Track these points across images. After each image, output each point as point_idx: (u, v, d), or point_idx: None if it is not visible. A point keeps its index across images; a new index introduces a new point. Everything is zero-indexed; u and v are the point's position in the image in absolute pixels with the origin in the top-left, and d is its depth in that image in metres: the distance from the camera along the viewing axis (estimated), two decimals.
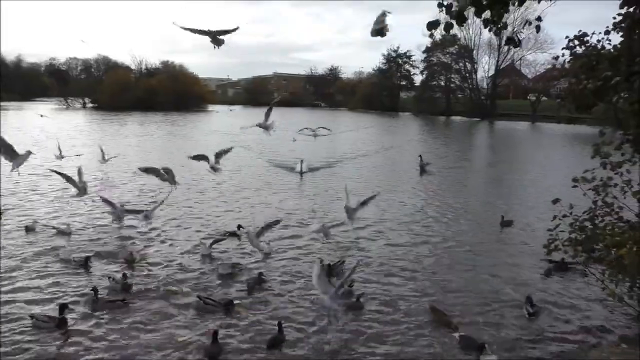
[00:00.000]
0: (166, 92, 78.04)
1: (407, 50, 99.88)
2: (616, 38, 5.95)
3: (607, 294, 7.52)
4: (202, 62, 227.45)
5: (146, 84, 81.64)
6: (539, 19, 4.27)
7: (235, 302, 8.38)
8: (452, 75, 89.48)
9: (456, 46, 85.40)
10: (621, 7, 4.81)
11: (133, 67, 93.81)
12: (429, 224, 14.04)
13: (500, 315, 8.33)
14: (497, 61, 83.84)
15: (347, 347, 7.18)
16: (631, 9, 4.65)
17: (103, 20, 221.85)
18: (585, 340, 7.49)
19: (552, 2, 4.74)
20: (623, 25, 4.89)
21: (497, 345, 7.23)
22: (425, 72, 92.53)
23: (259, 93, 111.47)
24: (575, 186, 7.19)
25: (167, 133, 41.72)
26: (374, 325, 7.84)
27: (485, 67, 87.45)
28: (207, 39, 7.80)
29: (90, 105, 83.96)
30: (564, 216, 7.38)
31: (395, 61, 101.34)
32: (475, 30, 78.93)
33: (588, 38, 6.26)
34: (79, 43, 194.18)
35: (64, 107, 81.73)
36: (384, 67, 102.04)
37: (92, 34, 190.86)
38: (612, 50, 6.10)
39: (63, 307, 7.62)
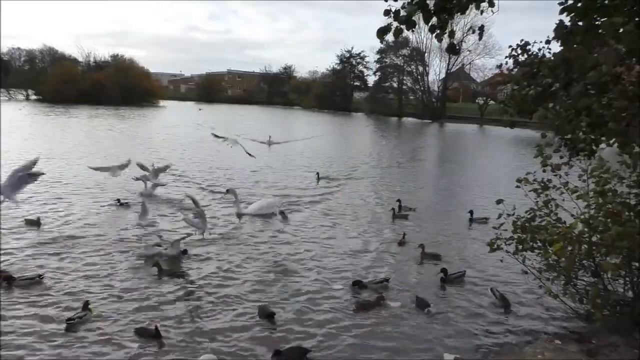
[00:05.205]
0: (113, 86, 75.72)
1: (361, 51, 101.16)
2: (556, 46, 6.25)
3: (543, 291, 7.89)
4: (154, 57, 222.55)
5: (92, 77, 78.96)
6: (481, 27, 4.44)
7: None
8: (405, 77, 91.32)
9: (408, 48, 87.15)
10: (560, 13, 5.04)
11: (81, 59, 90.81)
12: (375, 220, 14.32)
13: (436, 313, 8.49)
14: (448, 65, 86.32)
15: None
16: (564, 17, 4.88)
17: (50, 10, 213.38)
18: (520, 336, 7.75)
19: (497, 11, 4.94)
20: (559, 34, 5.15)
21: (431, 343, 7.44)
22: (378, 74, 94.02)
23: (212, 89, 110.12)
24: (518, 186, 7.53)
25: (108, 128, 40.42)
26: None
27: (436, 70, 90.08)
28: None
29: (34, 97, 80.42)
30: (508, 215, 7.69)
31: (349, 62, 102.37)
32: (427, 34, 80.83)
33: (530, 47, 6.53)
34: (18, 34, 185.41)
35: (6, 98, 77.83)
36: (338, 68, 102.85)
37: (39, 24, 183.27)
38: (552, 58, 6.39)
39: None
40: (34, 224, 11.85)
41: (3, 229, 11.46)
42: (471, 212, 14.72)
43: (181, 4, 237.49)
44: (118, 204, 14.41)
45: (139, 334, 7.09)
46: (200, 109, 75.99)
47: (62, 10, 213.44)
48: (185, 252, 10.57)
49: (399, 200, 15.58)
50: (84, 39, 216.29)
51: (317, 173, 21.00)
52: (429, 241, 11.95)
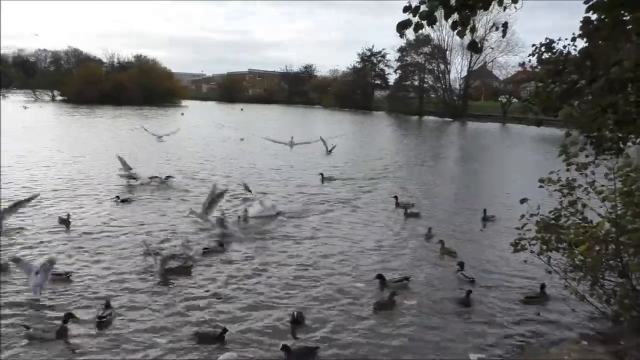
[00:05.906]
0: (134, 86, 76.89)
1: (382, 49, 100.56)
2: (582, 43, 6.13)
3: (569, 291, 7.76)
4: (175, 57, 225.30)
5: (115, 77, 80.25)
6: (505, 24, 4.37)
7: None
8: (426, 75, 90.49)
9: (430, 46, 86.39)
10: (587, 11, 4.95)
11: (105, 60, 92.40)
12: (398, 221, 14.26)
13: (464, 311, 8.47)
14: (470, 62, 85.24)
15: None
16: (591, 15, 4.77)
17: (74, 11, 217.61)
18: (546, 337, 7.66)
19: (520, 7, 4.85)
20: (585, 31, 5.05)
21: (455, 343, 7.37)
22: (399, 72, 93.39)
23: (234, 89, 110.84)
24: (541, 186, 7.42)
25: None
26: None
27: (458, 67, 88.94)
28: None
29: (60, 98, 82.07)
30: (532, 215, 7.57)
31: (370, 60, 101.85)
32: (448, 31, 80.00)
33: (555, 44, 6.40)
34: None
35: (33, 99, 79.52)
36: (358, 66, 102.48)
37: (63, 26, 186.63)
38: (577, 55, 6.27)
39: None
40: (64, 222, 12.11)
41: (37, 226, 11.97)
42: (485, 210, 14.68)
43: (200, 4, 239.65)
44: (119, 200, 14.69)
45: (202, 339, 7.07)
46: (242, 109, 77.34)
47: (81, 10, 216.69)
48: (221, 244, 11.01)
49: (395, 197, 15.57)
50: (102, 39, 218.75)
51: (321, 174, 20.63)
52: (447, 238, 11.93)
